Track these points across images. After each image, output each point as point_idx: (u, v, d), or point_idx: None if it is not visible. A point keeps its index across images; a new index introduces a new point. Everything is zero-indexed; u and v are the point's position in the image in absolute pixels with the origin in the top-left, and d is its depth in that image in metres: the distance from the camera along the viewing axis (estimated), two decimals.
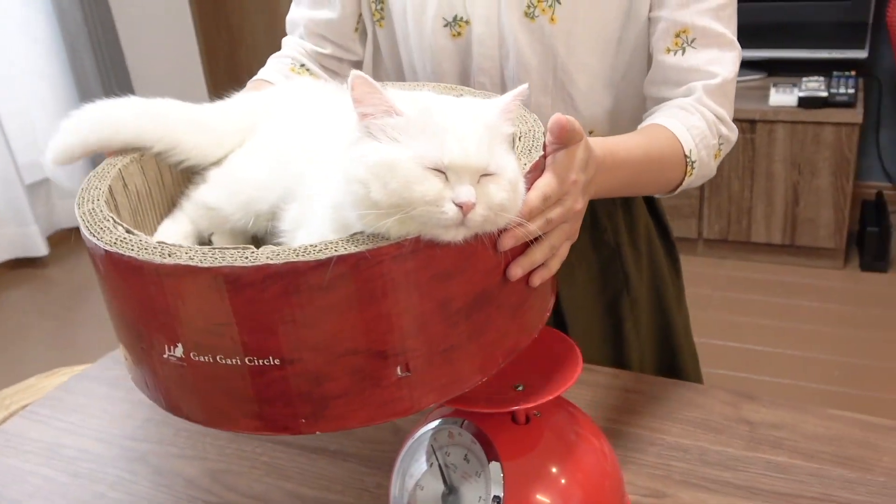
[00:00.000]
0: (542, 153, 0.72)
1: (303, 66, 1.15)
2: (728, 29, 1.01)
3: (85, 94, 3.55)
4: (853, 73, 2.90)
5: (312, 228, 0.71)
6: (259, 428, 0.65)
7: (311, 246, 0.61)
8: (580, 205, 0.74)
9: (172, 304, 0.62)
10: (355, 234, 0.62)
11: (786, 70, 2.96)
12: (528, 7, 1.02)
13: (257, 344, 0.61)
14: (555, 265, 0.72)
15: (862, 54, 2.91)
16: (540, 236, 0.69)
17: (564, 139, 0.71)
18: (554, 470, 0.75)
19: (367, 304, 0.61)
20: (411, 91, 0.80)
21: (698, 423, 0.97)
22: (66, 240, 3.63)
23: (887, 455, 0.90)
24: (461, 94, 0.87)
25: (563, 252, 0.73)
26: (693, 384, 1.05)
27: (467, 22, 1.05)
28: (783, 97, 2.81)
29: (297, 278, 0.60)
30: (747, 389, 1.03)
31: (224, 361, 0.63)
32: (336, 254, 0.60)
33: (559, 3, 1.00)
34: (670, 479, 0.89)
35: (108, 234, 0.66)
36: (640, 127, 1.01)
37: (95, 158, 0.82)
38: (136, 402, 1.10)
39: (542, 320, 0.75)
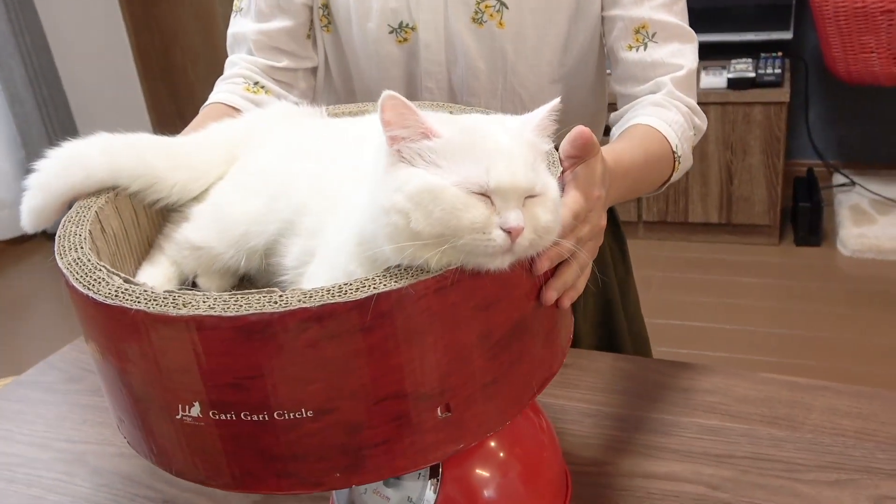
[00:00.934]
0: (561, 169, 0.69)
1: (257, 83, 1.09)
2: (683, 21, 1.03)
3: (14, 101, 3.46)
4: (780, 54, 2.97)
5: (332, 265, 0.66)
6: (290, 486, 0.60)
7: (345, 285, 0.56)
8: (604, 220, 0.72)
9: (190, 360, 0.56)
10: (390, 268, 0.58)
11: (714, 53, 3.02)
12: (476, 13, 1.01)
13: (289, 396, 0.56)
14: (582, 285, 0.69)
15: (787, 35, 2.99)
16: (569, 257, 0.66)
17: (586, 152, 0.68)
18: (492, 444, 0.76)
19: (409, 342, 0.57)
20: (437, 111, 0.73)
21: (634, 393, 0.99)
22: (2, 252, 3.53)
23: (814, 412, 0.93)
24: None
25: (588, 271, 0.70)
26: (628, 356, 1.07)
27: (413, 28, 1.04)
28: (713, 79, 2.87)
29: (334, 321, 0.55)
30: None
31: (249, 418, 0.57)
32: (376, 291, 0.55)
33: (506, 7, 1.00)
34: (608, 447, 0.91)
35: (105, 285, 0.59)
36: (621, 128, 1.00)
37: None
38: (72, 404, 1.09)
39: (568, 343, 0.73)
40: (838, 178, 3.24)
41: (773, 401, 0.96)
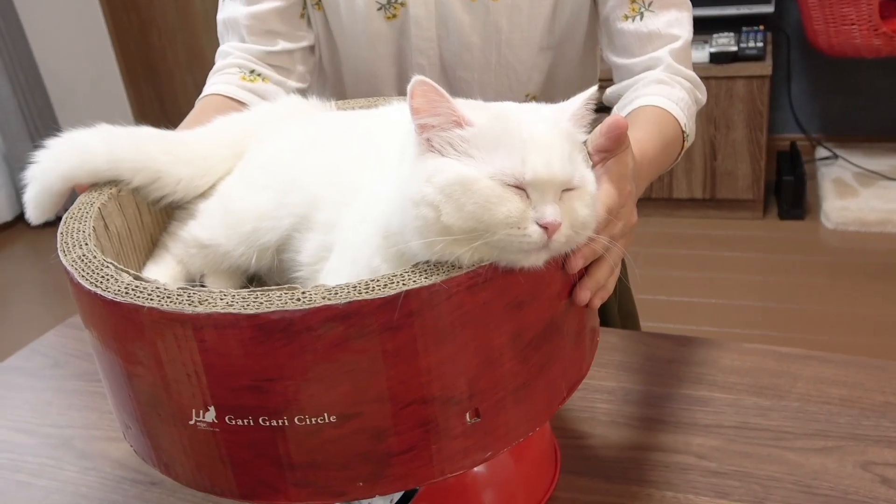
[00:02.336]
0: (591, 162, 0.65)
1: (252, 71, 1.06)
2: None
3: None
4: (761, 27, 2.97)
5: (354, 260, 0.63)
6: (309, 496, 0.58)
7: (372, 281, 0.53)
8: (635, 217, 0.70)
9: (205, 361, 0.53)
10: (418, 263, 0.55)
11: (697, 27, 2.99)
12: None
13: (311, 400, 0.54)
14: (612, 285, 0.66)
15: (769, 9, 2.98)
16: (602, 254, 0.64)
17: (619, 144, 0.66)
18: None
19: (439, 343, 0.54)
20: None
21: (621, 366, 0.99)
22: None
23: (800, 381, 0.94)
24: None
25: (618, 270, 0.68)
26: (613, 329, 1.07)
27: (402, 4, 1.02)
28: (695, 53, 2.86)
29: (361, 320, 0.52)
30: None
31: (268, 423, 0.54)
32: (406, 288, 0.52)
33: None
34: (596, 420, 0.91)
35: (114, 283, 0.56)
36: (625, 108, 0.98)
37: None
38: (58, 389, 1.08)
39: (594, 345, 0.72)
40: (821, 152, 3.25)
41: (759, 371, 0.96)
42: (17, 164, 3.51)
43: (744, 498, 0.78)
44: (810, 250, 2.85)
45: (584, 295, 0.63)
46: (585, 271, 0.64)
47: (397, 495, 0.72)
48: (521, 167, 0.56)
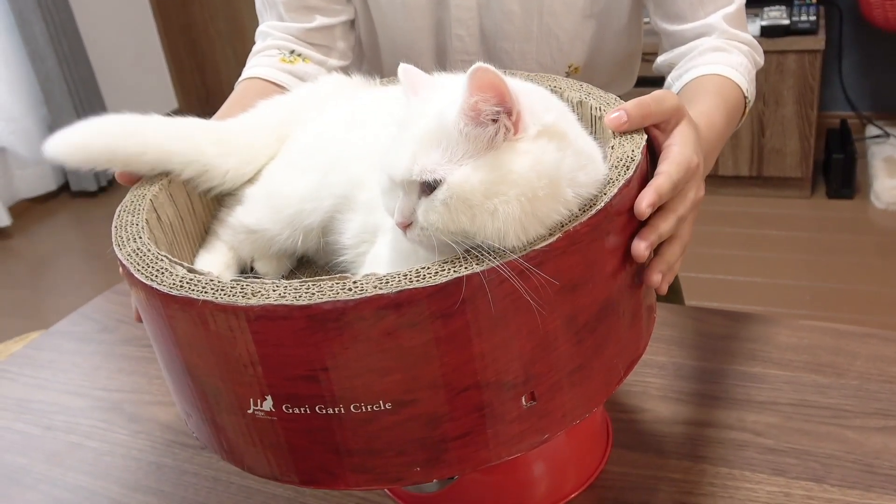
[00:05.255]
0: (646, 136, 0.64)
1: (293, 52, 1.04)
2: None
3: (36, 58, 3.45)
4: (814, 0, 2.89)
5: (395, 245, 0.63)
6: (367, 482, 0.58)
7: (423, 269, 0.52)
8: (703, 191, 0.67)
9: (260, 352, 0.54)
10: (469, 249, 0.54)
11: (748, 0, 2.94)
12: None
13: (365, 388, 0.54)
14: (678, 265, 0.64)
15: None
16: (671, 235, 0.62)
17: (651, 115, 0.64)
18: None
19: (492, 329, 0.54)
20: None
21: (673, 341, 0.97)
22: (28, 210, 3.55)
23: (859, 360, 0.91)
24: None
25: (685, 250, 0.65)
26: (664, 304, 1.05)
27: None
28: None
29: (413, 308, 0.51)
30: None
31: (324, 411, 0.55)
32: (456, 275, 0.52)
33: None
34: (647, 394, 0.89)
35: (168, 276, 0.57)
36: (683, 78, 0.96)
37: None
38: (107, 354, 1.09)
39: (652, 322, 0.71)
40: (872, 130, 3.17)
41: (816, 348, 0.94)
42: None
43: (802, 476, 0.76)
44: (860, 230, 2.79)
45: (654, 277, 0.61)
46: (655, 252, 0.62)
47: None
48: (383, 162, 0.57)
